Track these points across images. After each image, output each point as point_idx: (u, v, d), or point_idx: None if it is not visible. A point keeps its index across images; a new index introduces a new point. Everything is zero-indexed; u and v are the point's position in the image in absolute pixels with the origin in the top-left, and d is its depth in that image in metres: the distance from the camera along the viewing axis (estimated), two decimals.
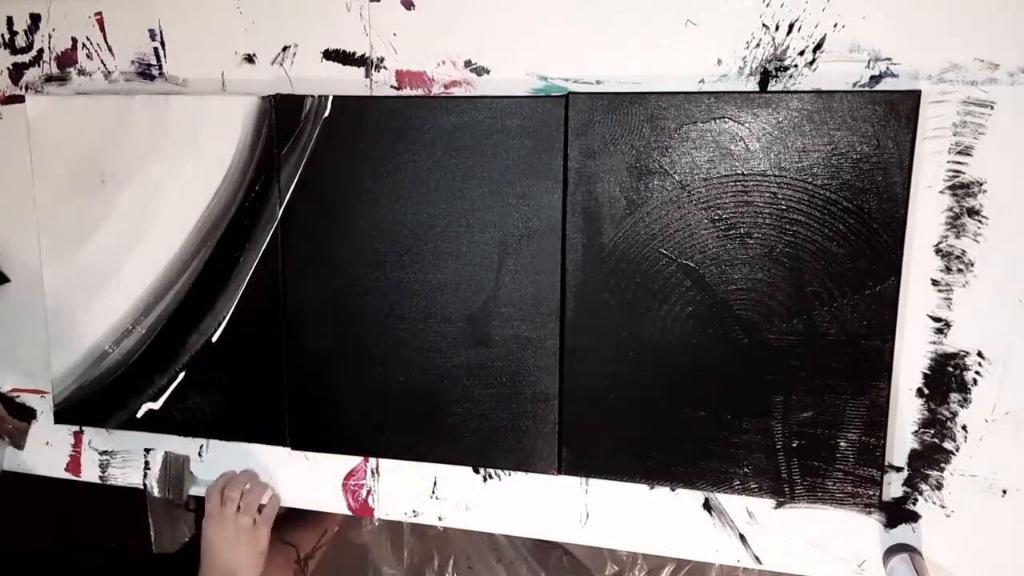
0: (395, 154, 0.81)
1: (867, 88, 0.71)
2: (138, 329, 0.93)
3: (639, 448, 0.79)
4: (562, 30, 0.78)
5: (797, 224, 0.72)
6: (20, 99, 0.95)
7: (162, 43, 0.91)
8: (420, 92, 0.83)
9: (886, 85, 0.71)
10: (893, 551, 0.75)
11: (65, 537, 1.05)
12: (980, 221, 0.70)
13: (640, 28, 0.76)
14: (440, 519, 0.89)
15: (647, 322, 0.77)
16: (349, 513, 0.93)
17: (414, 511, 0.90)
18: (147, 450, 0.98)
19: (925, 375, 0.73)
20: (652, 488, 0.82)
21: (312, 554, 1.33)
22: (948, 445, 0.74)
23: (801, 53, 0.72)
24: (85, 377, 0.96)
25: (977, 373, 0.72)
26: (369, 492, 0.91)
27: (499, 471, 0.86)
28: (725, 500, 0.80)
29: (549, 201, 0.78)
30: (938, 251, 0.71)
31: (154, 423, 0.94)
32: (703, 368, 0.76)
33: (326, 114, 0.83)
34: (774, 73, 0.73)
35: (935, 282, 0.72)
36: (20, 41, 0.95)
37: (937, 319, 0.72)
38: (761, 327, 0.74)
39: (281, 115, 0.84)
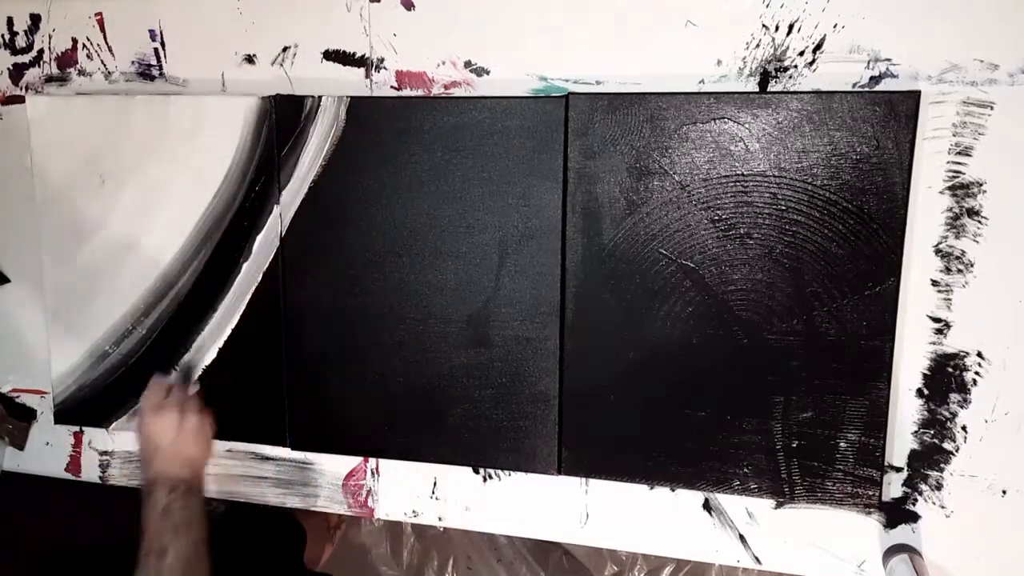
0: (395, 155, 0.81)
1: (867, 88, 0.71)
2: (138, 329, 0.93)
3: (639, 448, 0.79)
4: (562, 30, 0.78)
5: (797, 225, 0.72)
6: (20, 99, 0.95)
7: (162, 43, 0.91)
8: (420, 92, 0.83)
9: (886, 85, 0.71)
10: (893, 551, 0.75)
11: (65, 537, 1.05)
12: (980, 222, 0.70)
13: (640, 28, 0.76)
14: (440, 519, 0.89)
15: (647, 322, 0.77)
16: (349, 513, 0.93)
17: (414, 511, 0.90)
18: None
19: (925, 375, 0.73)
20: (652, 488, 0.82)
21: (339, 524, 1.46)
22: (948, 445, 0.74)
23: (801, 54, 0.72)
24: (85, 377, 0.96)
25: (977, 374, 0.72)
26: (369, 492, 0.91)
27: (499, 471, 0.86)
28: (725, 500, 0.80)
29: (549, 201, 0.78)
30: (938, 251, 0.71)
31: None
32: (703, 368, 0.76)
33: (328, 116, 0.83)
34: (774, 73, 0.73)
35: (935, 282, 0.72)
36: (20, 41, 0.95)
37: (937, 319, 0.72)
38: (761, 327, 0.74)
39: (281, 116, 0.84)
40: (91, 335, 0.95)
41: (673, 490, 0.81)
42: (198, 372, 0.92)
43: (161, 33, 0.91)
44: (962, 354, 0.72)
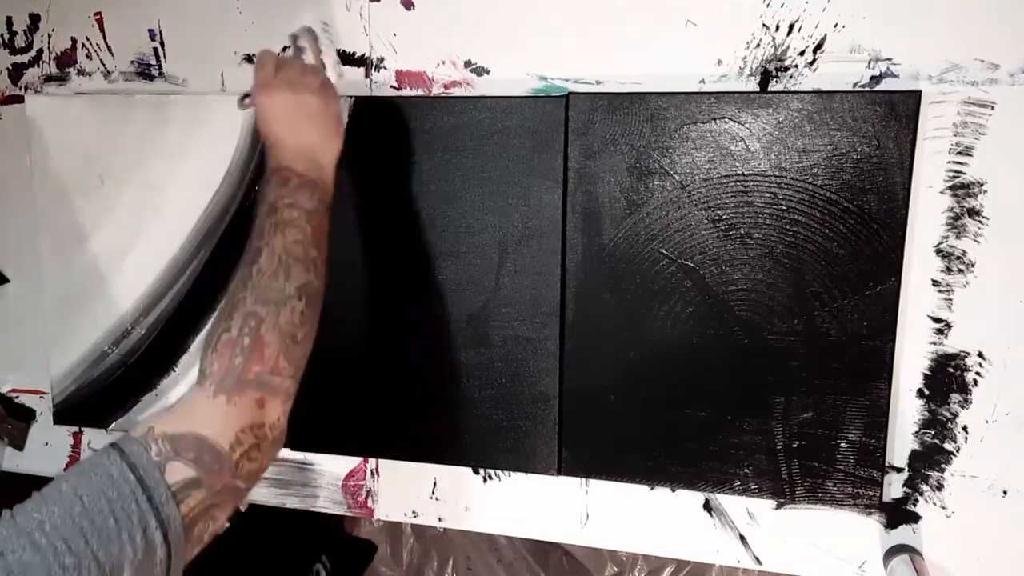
0: (395, 155, 0.81)
1: (867, 88, 0.71)
2: (138, 329, 0.93)
3: (639, 448, 0.79)
4: (562, 30, 0.78)
5: (797, 224, 0.72)
6: (19, 99, 0.95)
7: (162, 43, 0.91)
8: (420, 92, 0.83)
9: (886, 85, 0.70)
10: (894, 552, 0.75)
11: None
12: (980, 222, 0.70)
13: (640, 28, 0.76)
14: (440, 520, 0.89)
15: (647, 322, 0.77)
16: (349, 514, 0.92)
17: (414, 512, 0.90)
18: None
19: (925, 376, 0.73)
20: (652, 489, 0.81)
21: None
22: (949, 446, 0.73)
23: (801, 53, 0.72)
24: (84, 378, 0.96)
25: (978, 374, 0.72)
26: (369, 493, 0.91)
27: (499, 472, 0.86)
28: (725, 501, 0.80)
29: (549, 201, 0.78)
30: (939, 252, 0.71)
31: None
32: (703, 368, 0.76)
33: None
34: (774, 73, 0.73)
35: (936, 283, 0.72)
36: (20, 41, 0.95)
37: (938, 320, 0.72)
38: (761, 328, 0.74)
39: None
40: (90, 335, 0.95)
41: (673, 490, 0.81)
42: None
43: (160, 33, 0.90)
44: (963, 354, 0.72)
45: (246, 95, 0.72)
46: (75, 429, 1.00)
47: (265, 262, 0.62)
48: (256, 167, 0.86)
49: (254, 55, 0.87)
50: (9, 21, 0.95)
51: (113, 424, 0.96)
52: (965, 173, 0.70)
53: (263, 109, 0.69)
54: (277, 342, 0.59)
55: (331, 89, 0.72)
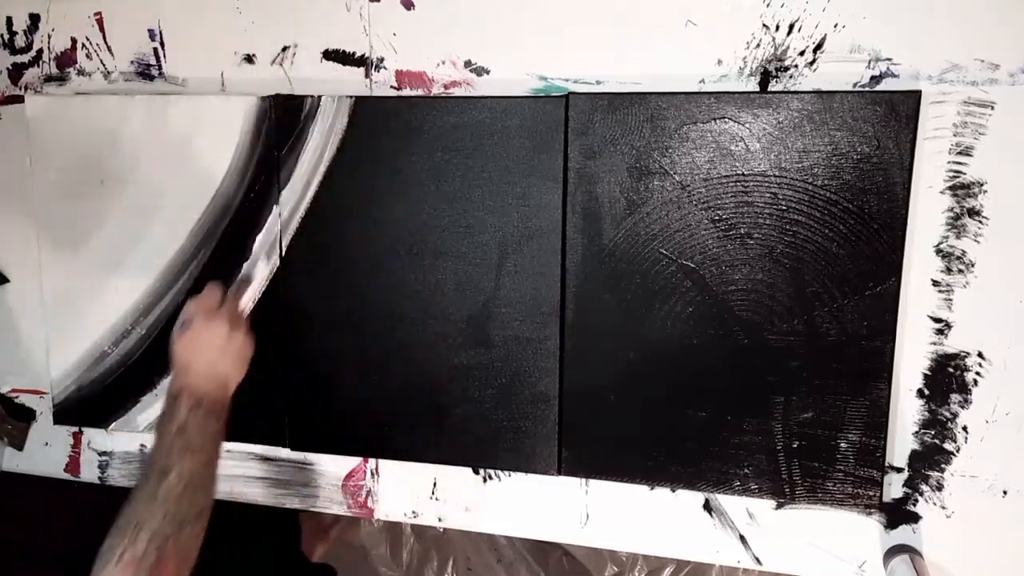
0: (395, 155, 0.81)
1: (867, 88, 0.71)
2: (138, 329, 0.93)
3: (639, 448, 0.79)
4: (562, 30, 0.78)
5: (797, 225, 0.72)
6: (19, 99, 0.95)
7: (162, 43, 0.91)
8: (420, 92, 0.83)
9: (886, 85, 0.70)
10: (894, 552, 0.75)
11: (65, 537, 1.04)
12: (980, 222, 0.70)
13: (640, 28, 0.76)
14: (440, 520, 0.89)
15: (647, 323, 0.77)
16: (349, 514, 0.92)
17: (414, 512, 0.90)
18: (142, 446, 0.98)
19: (925, 376, 0.73)
20: (652, 489, 0.81)
21: (332, 524, 1.51)
22: (949, 446, 0.73)
23: (801, 53, 0.72)
24: (84, 378, 0.96)
25: (978, 374, 0.72)
26: (369, 493, 0.91)
27: (499, 472, 0.86)
28: (725, 501, 0.80)
29: (549, 201, 0.78)
30: (939, 252, 0.71)
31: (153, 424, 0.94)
32: (703, 368, 0.76)
33: (328, 115, 0.82)
34: (774, 73, 0.73)
35: (936, 283, 0.72)
36: (19, 41, 0.95)
37: (938, 320, 0.72)
38: (761, 328, 0.74)
39: (281, 115, 0.84)
40: (90, 335, 0.95)
41: (673, 490, 0.81)
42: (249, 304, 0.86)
43: (160, 33, 0.90)
44: (963, 354, 0.72)
45: (182, 321, 0.79)
46: (75, 429, 1.00)
47: (173, 482, 0.68)
48: (256, 168, 0.86)
49: (254, 55, 0.87)
50: (9, 21, 0.95)
51: (113, 424, 0.96)
52: (965, 173, 0.70)
53: (197, 335, 0.77)
54: (175, 561, 0.66)
55: (250, 333, 0.81)
